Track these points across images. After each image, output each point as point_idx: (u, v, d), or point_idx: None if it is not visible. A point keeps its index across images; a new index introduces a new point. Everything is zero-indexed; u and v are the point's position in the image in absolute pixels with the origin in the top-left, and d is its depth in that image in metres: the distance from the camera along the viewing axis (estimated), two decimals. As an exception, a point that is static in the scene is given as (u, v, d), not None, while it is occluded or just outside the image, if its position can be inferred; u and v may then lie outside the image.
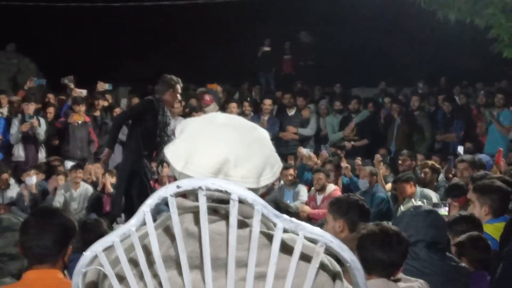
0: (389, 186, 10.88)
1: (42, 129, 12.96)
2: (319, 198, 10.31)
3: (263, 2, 19.04)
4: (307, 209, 10.25)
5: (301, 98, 14.74)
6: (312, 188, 10.66)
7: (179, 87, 8.45)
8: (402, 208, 9.40)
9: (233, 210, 1.68)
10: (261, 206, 1.69)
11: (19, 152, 12.99)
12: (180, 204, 1.77)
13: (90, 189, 11.66)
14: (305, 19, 20.14)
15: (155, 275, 1.70)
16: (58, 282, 3.30)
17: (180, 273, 1.69)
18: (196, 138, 1.83)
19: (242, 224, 1.75)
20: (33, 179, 11.47)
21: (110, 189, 11.25)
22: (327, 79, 19.49)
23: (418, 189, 9.82)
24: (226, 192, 1.68)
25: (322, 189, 10.30)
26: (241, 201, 1.68)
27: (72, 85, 13.91)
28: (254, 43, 20.46)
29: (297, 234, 1.71)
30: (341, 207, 4.65)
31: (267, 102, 14.36)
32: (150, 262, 1.70)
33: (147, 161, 8.61)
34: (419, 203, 9.03)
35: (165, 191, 1.71)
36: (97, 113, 13.91)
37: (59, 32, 19.75)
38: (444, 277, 4.13)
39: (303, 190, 10.84)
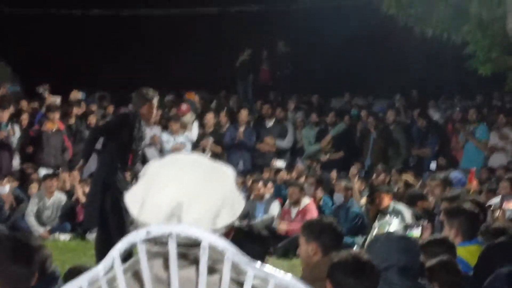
0: (363, 200, 10.92)
1: (16, 137, 12.88)
2: (294, 211, 10.32)
3: (242, 11, 19.04)
4: (284, 226, 10.26)
5: (279, 109, 14.75)
6: (287, 201, 10.68)
7: (155, 100, 8.38)
8: (376, 223, 9.45)
9: (203, 258, 1.67)
10: (232, 254, 1.68)
11: (-8, 159, 12.87)
12: (148, 249, 1.75)
13: (63, 198, 11.59)
14: (283, 29, 20.16)
15: (123, 320, 1.69)
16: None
17: (149, 319, 1.68)
18: (153, 182, 1.81)
19: (211, 270, 1.73)
20: (6, 188, 11.41)
21: (82, 199, 11.18)
22: (304, 89, 19.53)
23: (392, 203, 9.87)
24: (195, 239, 1.68)
25: (296, 202, 10.32)
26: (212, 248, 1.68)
27: (47, 94, 13.81)
28: (232, 52, 20.46)
29: (268, 282, 1.70)
30: (314, 230, 4.63)
31: (244, 113, 14.34)
32: (119, 307, 1.69)
33: (121, 173, 8.55)
34: (394, 219, 9.10)
35: (135, 237, 1.70)
36: (72, 121, 13.83)
37: (35, 38, 19.60)
38: (416, 303, 4.13)
39: (274, 204, 10.85)
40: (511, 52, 11.58)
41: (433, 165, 12.67)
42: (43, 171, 12.38)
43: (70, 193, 11.88)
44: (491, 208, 7.00)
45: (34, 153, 13.14)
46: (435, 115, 15.73)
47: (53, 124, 12.87)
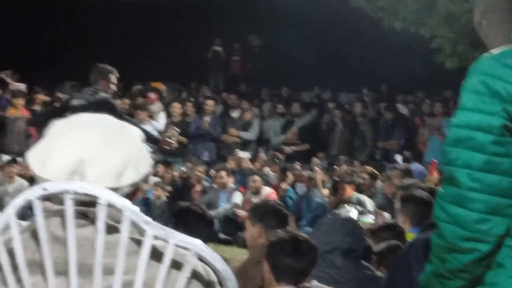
0: (326, 191, 10.91)
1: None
2: (255, 201, 10.28)
3: (214, 1, 18.98)
4: (243, 213, 10.24)
5: (246, 101, 14.72)
6: (247, 190, 10.66)
7: (112, 76, 8.18)
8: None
9: (101, 215, 1.66)
10: (130, 212, 1.66)
11: (-46, 145, 12.77)
12: (48, 207, 1.72)
13: (25, 184, 11.45)
14: (255, 21, 20.14)
15: (20, 280, 1.66)
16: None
17: (46, 279, 1.65)
18: (55, 140, 1.79)
19: (112, 230, 1.70)
20: None
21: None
22: (275, 82, 19.54)
23: (355, 194, 9.87)
24: (94, 196, 1.65)
25: (257, 192, 10.30)
26: (110, 206, 1.65)
27: (9, 80, 13.69)
28: (204, 42, 20.42)
29: (168, 242, 1.67)
30: (258, 212, 4.60)
31: (209, 103, 14.28)
32: (16, 267, 1.66)
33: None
34: (353, 209, 9.11)
35: (31, 193, 1.67)
36: (37, 107, 13.71)
37: (3, 23, 19.41)
38: (358, 285, 4.13)
39: (236, 193, 10.84)
40: (478, 46, 11.61)
41: (398, 158, 12.70)
42: (6, 158, 12.26)
43: (33, 180, 11.76)
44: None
45: (-4, 138, 13.06)
46: (403, 109, 15.77)
47: (16, 111, 12.77)
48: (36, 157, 1.79)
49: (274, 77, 19.84)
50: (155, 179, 11.89)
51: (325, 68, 19.00)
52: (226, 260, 1.78)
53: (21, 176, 11.69)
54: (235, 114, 14.44)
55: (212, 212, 10.46)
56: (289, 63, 20.09)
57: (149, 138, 9.41)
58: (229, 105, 14.76)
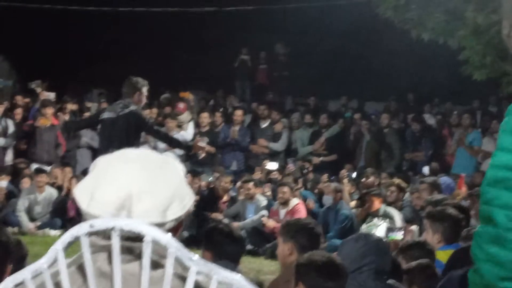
0: (353, 203, 10.90)
1: (10, 132, 12.91)
2: (282, 212, 10.33)
3: (240, 11, 19.03)
4: (272, 223, 10.25)
5: (276, 112, 14.76)
6: (276, 202, 10.67)
7: (145, 89, 8.25)
8: (364, 226, 9.46)
9: (146, 252, 1.68)
10: (175, 249, 1.69)
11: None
12: (94, 243, 1.76)
13: (54, 193, 11.60)
14: (281, 30, 20.18)
15: (66, 313, 1.69)
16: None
17: (92, 312, 1.69)
18: (102, 175, 1.83)
19: (156, 265, 1.74)
20: (2, 183, 11.50)
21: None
22: (301, 91, 19.55)
23: (383, 206, 9.84)
24: (140, 234, 1.68)
25: (285, 203, 10.32)
26: (156, 243, 1.69)
27: (39, 90, 13.82)
28: (231, 51, 20.48)
29: (211, 278, 1.71)
30: (290, 230, 4.64)
31: (238, 113, 14.34)
32: (62, 300, 1.69)
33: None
34: (382, 222, 9.11)
35: (78, 230, 1.71)
36: (66, 117, 13.82)
37: (33, 33, 19.61)
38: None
39: (262, 200, 10.87)
40: (506, 57, 11.54)
41: (425, 170, 12.64)
42: (35, 167, 12.38)
43: (62, 189, 11.89)
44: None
45: (27, 148, 13.16)
46: (430, 120, 15.70)
47: (46, 120, 12.88)
48: (83, 192, 1.83)
49: (301, 86, 19.85)
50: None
51: (352, 78, 18.98)
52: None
53: (50, 185, 11.83)
54: (264, 124, 14.48)
55: (239, 224, 10.53)
56: (315, 72, 20.10)
57: (182, 146, 9.55)
58: (258, 115, 14.79)
